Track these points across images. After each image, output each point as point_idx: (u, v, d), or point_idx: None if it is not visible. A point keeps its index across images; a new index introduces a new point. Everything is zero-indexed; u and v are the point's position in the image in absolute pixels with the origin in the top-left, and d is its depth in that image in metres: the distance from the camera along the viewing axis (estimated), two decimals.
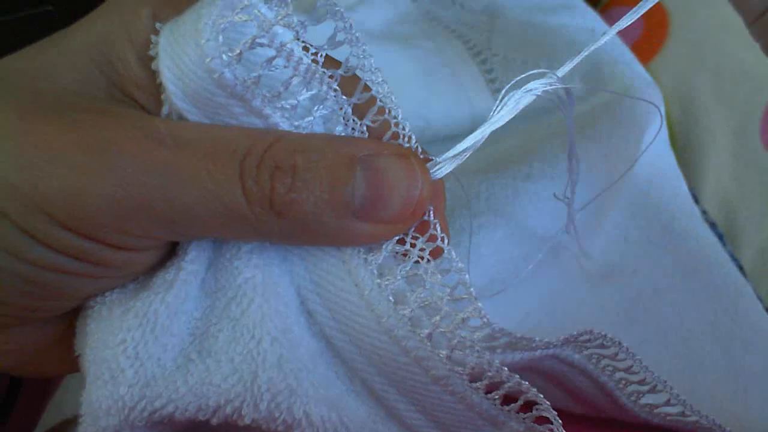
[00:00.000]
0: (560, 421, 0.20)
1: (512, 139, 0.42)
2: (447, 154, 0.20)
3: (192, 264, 0.19)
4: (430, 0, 0.47)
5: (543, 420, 0.20)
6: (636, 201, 0.40)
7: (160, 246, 0.19)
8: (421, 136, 0.40)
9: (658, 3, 0.61)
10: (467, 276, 0.19)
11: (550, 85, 0.20)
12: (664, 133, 0.45)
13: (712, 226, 0.46)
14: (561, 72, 0.20)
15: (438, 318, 0.19)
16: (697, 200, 0.45)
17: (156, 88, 0.19)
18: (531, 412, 0.20)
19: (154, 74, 0.18)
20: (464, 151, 0.20)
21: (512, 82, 0.20)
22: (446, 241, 0.20)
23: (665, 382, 0.24)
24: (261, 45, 0.17)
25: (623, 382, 0.25)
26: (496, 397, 0.20)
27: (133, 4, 0.19)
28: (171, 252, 0.20)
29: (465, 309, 0.19)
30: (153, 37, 0.18)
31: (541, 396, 0.19)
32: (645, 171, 0.41)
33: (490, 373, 0.19)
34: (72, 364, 0.20)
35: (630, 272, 0.37)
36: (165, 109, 0.18)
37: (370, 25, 0.43)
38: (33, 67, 0.19)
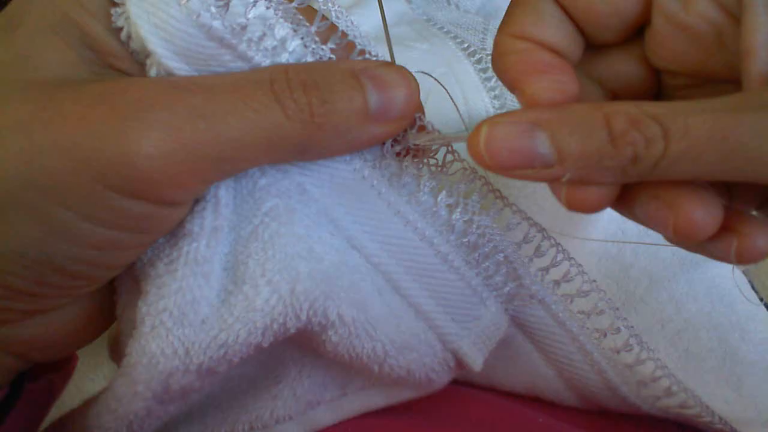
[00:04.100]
0: (531, 273, 0.23)
1: None
2: None
3: (226, 208, 0.21)
4: (425, 1, 0.48)
5: (519, 294, 0.24)
6: None
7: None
8: None
9: None
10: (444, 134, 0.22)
11: None
12: None
13: None
14: None
15: (444, 195, 0.22)
16: None
17: (130, 55, 0.19)
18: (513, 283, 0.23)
19: (124, 43, 0.19)
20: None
21: None
22: (424, 118, 0.22)
23: (681, 383, 0.26)
24: None
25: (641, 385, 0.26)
26: (487, 265, 0.23)
27: None
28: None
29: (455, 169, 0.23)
30: (114, 10, 0.19)
31: (518, 256, 0.23)
32: None
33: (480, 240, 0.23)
34: (86, 341, 0.21)
35: (627, 264, 0.38)
36: (153, 72, 0.19)
37: (365, 27, 0.44)
38: (7, 58, 0.18)
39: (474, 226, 0.23)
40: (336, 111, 0.19)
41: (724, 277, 0.39)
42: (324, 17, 0.21)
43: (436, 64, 0.42)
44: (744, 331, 0.37)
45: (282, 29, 0.20)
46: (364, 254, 0.22)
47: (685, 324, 0.36)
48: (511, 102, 0.43)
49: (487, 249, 0.23)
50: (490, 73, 0.43)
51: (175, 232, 0.20)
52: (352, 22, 0.22)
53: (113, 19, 0.19)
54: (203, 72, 0.19)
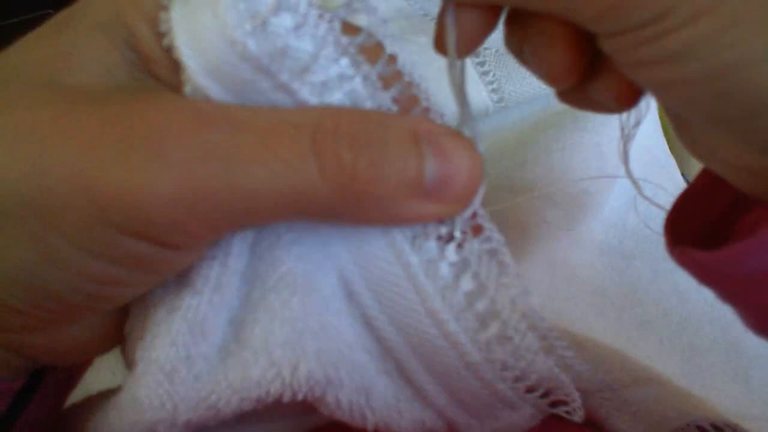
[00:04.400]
0: (578, 401, 0.20)
1: (506, 131, 0.42)
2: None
3: (237, 260, 0.19)
4: None
5: (556, 402, 0.20)
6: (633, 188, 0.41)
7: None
8: None
9: None
10: (509, 259, 0.19)
11: None
12: (657, 120, 0.46)
13: None
14: None
15: (485, 303, 0.19)
16: None
17: (172, 64, 0.17)
18: (548, 395, 0.20)
19: (166, 51, 0.17)
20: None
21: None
22: (487, 217, 0.19)
23: None
24: (287, 10, 0.16)
25: None
26: (521, 386, 0.20)
27: None
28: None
29: (513, 291, 0.19)
30: (162, 13, 0.17)
31: (565, 380, 0.20)
32: (641, 158, 0.42)
33: (521, 364, 0.19)
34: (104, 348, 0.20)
35: (629, 257, 0.38)
36: (188, 89, 0.17)
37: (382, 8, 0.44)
38: (48, 54, 0.17)
39: (514, 346, 0.19)
40: (383, 178, 0.16)
41: None
42: (392, 58, 0.18)
43: (434, 58, 0.42)
44: None
45: (336, 65, 0.17)
46: (378, 336, 0.20)
47: (689, 315, 0.36)
48: (509, 95, 0.43)
49: (527, 374, 0.20)
50: (488, 66, 0.43)
51: (182, 277, 0.18)
52: (412, 68, 0.19)
53: (160, 23, 0.17)
54: (240, 97, 0.17)
